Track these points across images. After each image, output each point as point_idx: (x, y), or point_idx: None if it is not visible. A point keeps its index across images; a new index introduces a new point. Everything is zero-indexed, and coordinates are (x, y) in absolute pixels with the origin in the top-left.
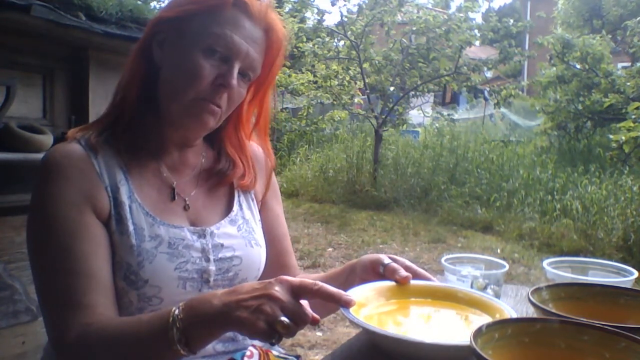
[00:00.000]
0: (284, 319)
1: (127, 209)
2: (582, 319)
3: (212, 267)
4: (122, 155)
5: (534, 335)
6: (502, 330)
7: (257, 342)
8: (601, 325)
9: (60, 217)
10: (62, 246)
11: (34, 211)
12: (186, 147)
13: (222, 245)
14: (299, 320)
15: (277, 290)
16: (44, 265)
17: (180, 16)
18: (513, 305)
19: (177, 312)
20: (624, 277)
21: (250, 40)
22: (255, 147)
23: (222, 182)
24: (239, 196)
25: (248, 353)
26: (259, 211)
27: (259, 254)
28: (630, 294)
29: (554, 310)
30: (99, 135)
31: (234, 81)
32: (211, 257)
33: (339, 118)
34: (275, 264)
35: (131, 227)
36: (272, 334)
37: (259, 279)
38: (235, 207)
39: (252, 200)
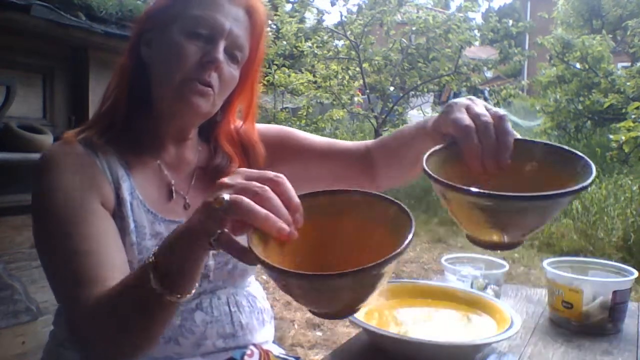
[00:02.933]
0: (221, 194)
1: (129, 206)
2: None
3: (211, 262)
4: (123, 154)
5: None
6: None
7: (258, 342)
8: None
9: (66, 201)
10: (69, 228)
11: (36, 203)
12: (182, 141)
13: None
14: (250, 187)
15: (223, 179)
16: (54, 249)
17: (161, 8)
18: (513, 305)
19: (150, 257)
20: (624, 277)
21: (231, 18)
22: (258, 127)
23: (219, 179)
24: None
25: (248, 352)
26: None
27: None
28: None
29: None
30: (98, 137)
31: (220, 55)
32: (211, 254)
33: (337, 117)
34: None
35: (132, 225)
36: (207, 225)
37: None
38: None
39: None
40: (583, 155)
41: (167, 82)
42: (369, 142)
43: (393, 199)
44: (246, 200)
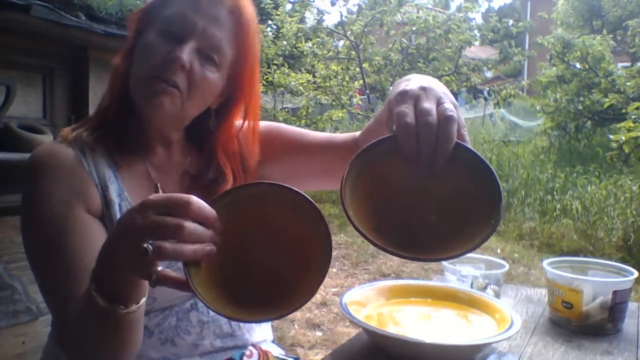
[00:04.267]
0: (143, 245)
1: (117, 208)
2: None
3: None
4: (112, 154)
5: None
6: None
7: (256, 342)
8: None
9: (49, 215)
10: (53, 244)
11: (24, 211)
12: (168, 144)
13: None
14: (169, 234)
15: (134, 217)
16: (39, 263)
17: (146, 10)
18: (513, 305)
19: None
20: (624, 277)
21: (208, 17)
22: (264, 129)
23: (209, 195)
24: None
25: (247, 353)
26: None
27: None
28: None
29: None
30: (90, 134)
31: (184, 54)
32: None
33: (337, 118)
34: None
35: None
36: (140, 268)
37: None
38: None
39: None
40: (501, 197)
41: (133, 81)
42: (357, 133)
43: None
44: (169, 246)
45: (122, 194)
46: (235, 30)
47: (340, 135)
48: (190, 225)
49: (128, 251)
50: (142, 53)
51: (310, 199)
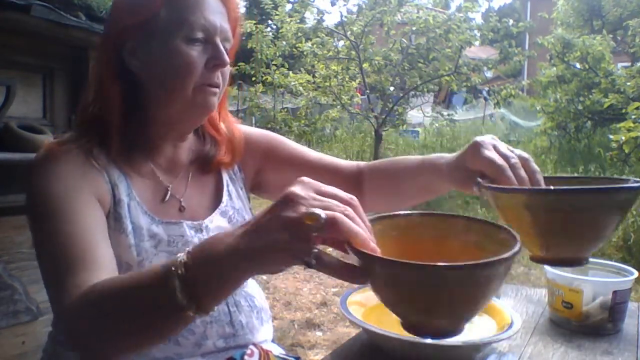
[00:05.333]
0: (314, 210)
1: (126, 207)
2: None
3: None
4: (117, 160)
5: (401, 229)
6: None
7: (257, 341)
8: (457, 215)
9: (61, 192)
10: (63, 217)
11: (33, 194)
12: (180, 142)
13: None
14: (334, 205)
15: (296, 189)
16: (46, 237)
17: (147, 18)
18: (513, 305)
19: (182, 257)
20: (624, 277)
21: (217, 13)
22: (249, 131)
23: (210, 167)
24: (227, 186)
25: (249, 352)
26: (269, 185)
27: None
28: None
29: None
30: (90, 140)
31: (226, 57)
32: None
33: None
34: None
35: (130, 226)
36: (298, 245)
37: None
38: (225, 197)
39: (242, 189)
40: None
41: (180, 93)
42: (362, 163)
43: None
44: (345, 219)
45: (131, 193)
46: (228, 19)
47: (344, 162)
48: (356, 215)
49: (289, 223)
50: (176, 63)
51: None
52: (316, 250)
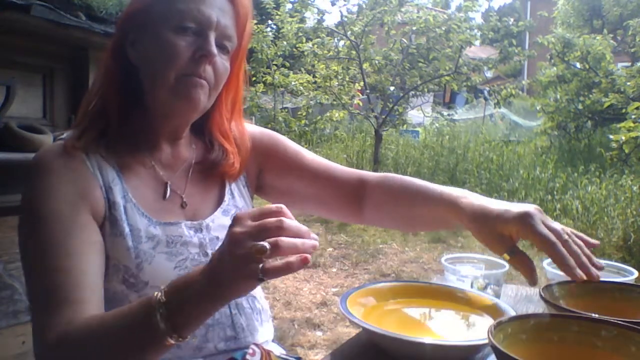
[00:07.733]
0: (259, 244)
1: (122, 210)
2: (595, 314)
3: None
4: (116, 156)
5: (548, 331)
6: (516, 325)
7: (259, 341)
8: (617, 322)
9: (54, 212)
10: (53, 242)
11: (26, 209)
12: (177, 139)
13: (217, 238)
14: (273, 234)
15: (237, 229)
16: (34, 263)
17: (141, 7)
18: (513, 305)
19: (159, 296)
20: (624, 277)
21: (217, 9)
22: (252, 129)
23: (215, 174)
24: (229, 184)
25: (250, 351)
26: (275, 188)
27: None
28: None
29: (566, 307)
30: (91, 136)
31: (213, 49)
32: (209, 252)
33: (337, 118)
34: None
35: (127, 229)
36: (252, 269)
37: None
38: (227, 196)
39: (244, 187)
40: None
41: (162, 81)
42: (367, 174)
43: None
44: (285, 239)
45: (127, 195)
46: (235, 18)
47: (347, 171)
48: (288, 222)
49: (241, 259)
50: (163, 52)
51: None
52: (260, 266)
